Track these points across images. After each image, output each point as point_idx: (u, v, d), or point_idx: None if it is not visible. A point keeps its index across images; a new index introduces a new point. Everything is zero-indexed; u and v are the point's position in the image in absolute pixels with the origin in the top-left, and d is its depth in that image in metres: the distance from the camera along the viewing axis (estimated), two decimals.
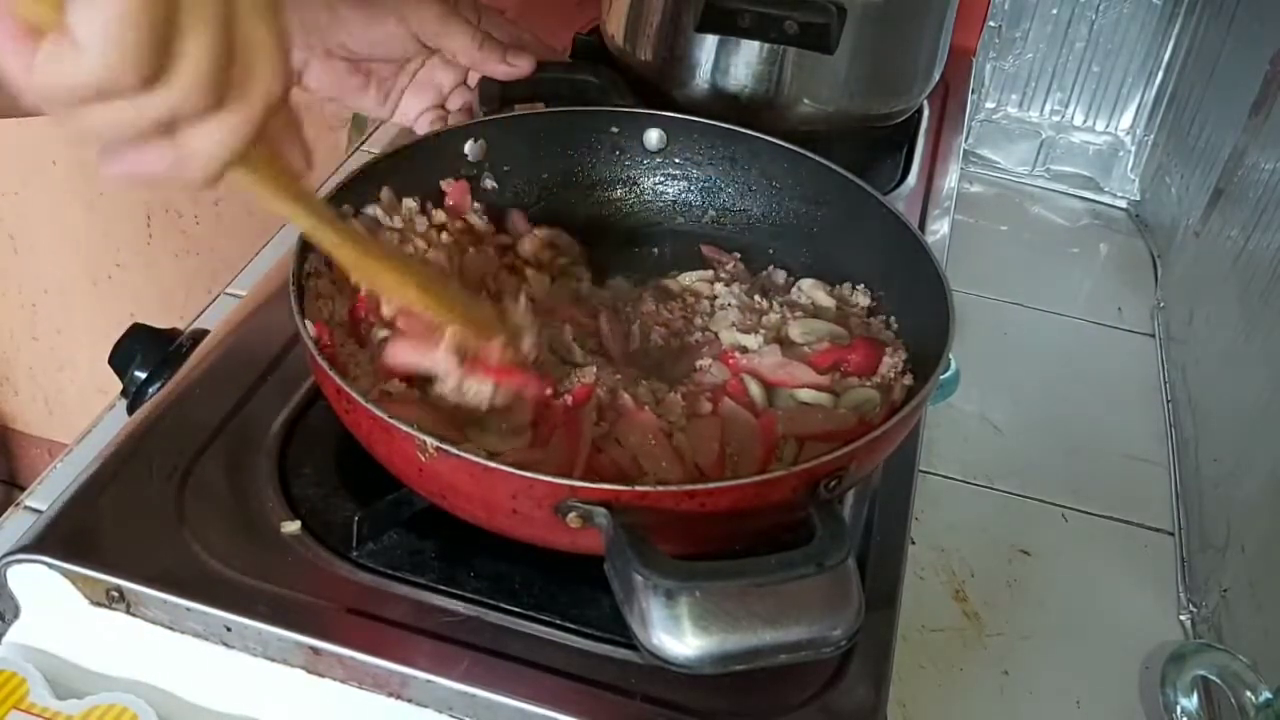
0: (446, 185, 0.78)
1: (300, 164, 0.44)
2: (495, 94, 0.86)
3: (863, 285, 0.78)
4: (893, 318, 0.75)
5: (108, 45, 0.33)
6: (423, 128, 0.84)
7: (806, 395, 0.67)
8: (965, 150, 1.23)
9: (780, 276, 0.81)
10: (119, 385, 0.74)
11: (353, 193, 0.72)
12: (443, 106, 0.85)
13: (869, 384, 0.69)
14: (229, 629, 0.57)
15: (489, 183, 0.81)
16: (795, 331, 0.72)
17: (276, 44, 0.37)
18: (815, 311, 0.75)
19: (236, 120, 0.37)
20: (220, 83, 0.36)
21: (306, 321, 0.60)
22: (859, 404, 0.67)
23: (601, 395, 0.64)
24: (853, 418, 0.66)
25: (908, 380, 0.69)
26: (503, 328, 0.63)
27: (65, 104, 0.34)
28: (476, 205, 0.78)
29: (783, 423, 0.65)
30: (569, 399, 0.64)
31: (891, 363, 0.70)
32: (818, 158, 0.81)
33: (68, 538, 0.59)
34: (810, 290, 0.77)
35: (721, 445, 0.63)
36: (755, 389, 0.67)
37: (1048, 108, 1.29)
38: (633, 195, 0.86)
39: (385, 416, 0.55)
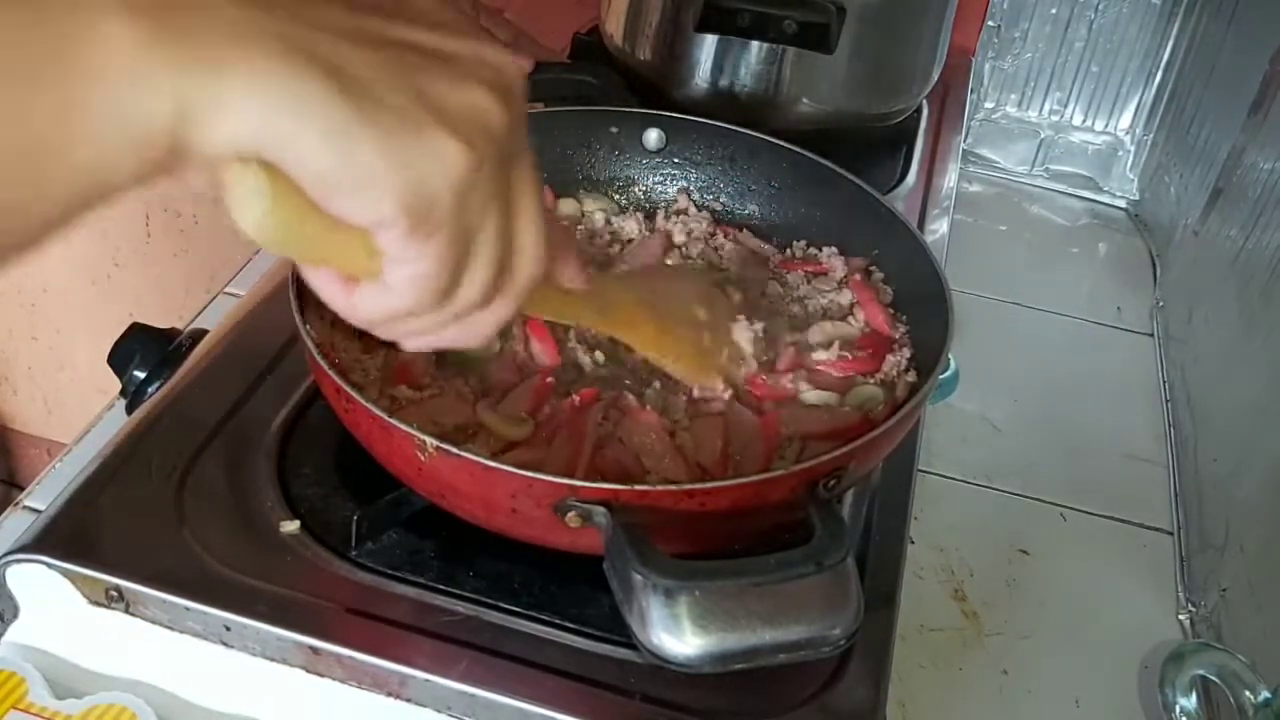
0: None
1: (575, 277, 0.51)
2: None
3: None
4: (892, 288, 0.76)
5: (414, 293, 0.40)
6: None
7: (811, 396, 0.68)
8: (964, 150, 1.23)
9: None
10: (118, 385, 0.74)
11: None
12: None
13: (872, 381, 0.69)
14: (228, 628, 0.57)
15: None
16: (814, 337, 0.72)
17: (536, 241, 0.43)
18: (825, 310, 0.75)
19: (509, 301, 0.44)
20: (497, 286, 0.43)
21: (307, 325, 0.60)
22: (863, 402, 0.68)
23: (605, 396, 0.64)
24: (856, 415, 0.66)
25: (911, 377, 0.69)
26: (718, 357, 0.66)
27: (379, 324, 0.43)
28: None
29: (786, 422, 0.65)
30: (577, 399, 0.64)
31: (895, 360, 0.70)
32: (817, 157, 0.81)
33: (67, 537, 0.59)
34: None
35: (725, 444, 0.63)
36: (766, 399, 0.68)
37: (1047, 107, 1.29)
38: (632, 195, 0.86)
39: (384, 416, 0.55)
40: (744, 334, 0.67)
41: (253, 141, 0.34)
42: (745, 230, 0.83)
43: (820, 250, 0.80)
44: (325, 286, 0.43)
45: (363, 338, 0.66)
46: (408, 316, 0.42)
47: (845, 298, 0.76)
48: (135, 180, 0.34)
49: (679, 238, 0.81)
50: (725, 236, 0.82)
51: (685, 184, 0.85)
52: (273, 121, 0.34)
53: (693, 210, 0.83)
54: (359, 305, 0.42)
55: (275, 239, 0.38)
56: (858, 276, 0.77)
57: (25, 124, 0.31)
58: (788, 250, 0.81)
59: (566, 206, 0.83)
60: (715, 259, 0.80)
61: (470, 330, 0.45)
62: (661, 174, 0.85)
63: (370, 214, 0.37)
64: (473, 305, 0.43)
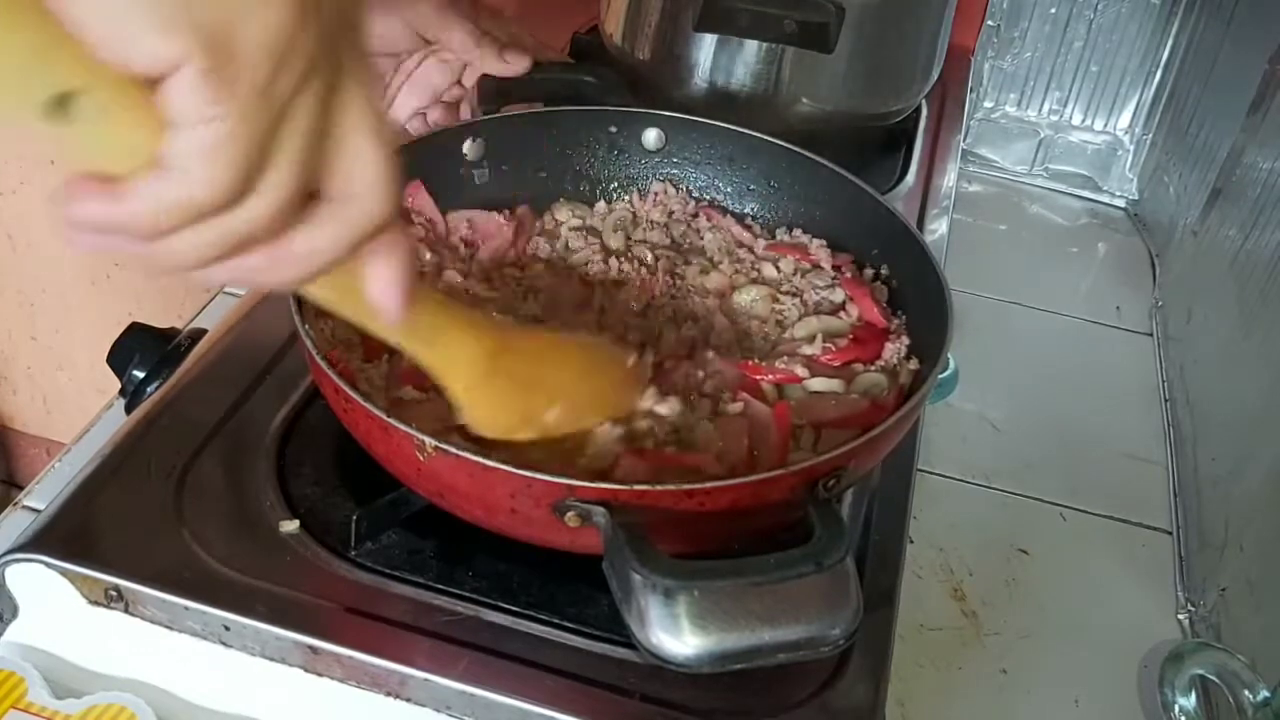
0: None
1: (389, 287, 0.42)
2: (493, 93, 0.86)
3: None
4: (891, 287, 0.77)
5: (202, 171, 0.33)
6: (413, 128, 0.84)
7: (817, 384, 0.68)
8: (964, 149, 1.22)
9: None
10: (117, 384, 0.74)
11: None
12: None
13: (874, 369, 0.70)
14: (227, 628, 0.57)
15: (485, 180, 0.81)
16: (800, 332, 0.73)
17: (378, 174, 0.37)
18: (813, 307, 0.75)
19: (324, 232, 0.37)
20: (310, 207, 0.36)
21: (306, 325, 0.60)
22: (868, 388, 0.68)
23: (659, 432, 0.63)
24: (864, 402, 0.67)
25: (913, 364, 0.70)
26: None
27: (160, 232, 0.34)
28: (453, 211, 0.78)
29: (796, 411, 0.65)
30: None
31: (895, 348, 0.71)
32: (816, 157, 0.81)
33: (66, 537, 0.59)
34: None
35: (751, 440, 0.63)
36: (766, 384, 0.68)
37: (1046, 107, 1.29)
38: (628, 195, 0.86)
39: (384, 416, 0.55)
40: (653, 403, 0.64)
41: None
42: (730, 216, 0.83)
43: (810, 240, 0.80)
44: (84, 199, 0.34)
45: (364, 343, 0.66)
46: (194, 219, 0.34)
47: (838, 295, 0.76)
48: None
49: (657, 217, 0.82)
50: (708, 220, 0.82)
51: (684, 184, 0.85)
52: None
53: (670, 191, 0.84)
54: (135, 200, 0.33)
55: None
56: (849, 273, 0.77)
57: None
58: (776, 234, 0.82)
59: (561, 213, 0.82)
60: (695, 241, 0.81)
61: (278, 260, 0.37)
62: (661, 174, 0.85)
63: (159, 52, 0.31)
64: (274, 208, 0.35)
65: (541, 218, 0.82)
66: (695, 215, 0.83)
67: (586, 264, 0.77)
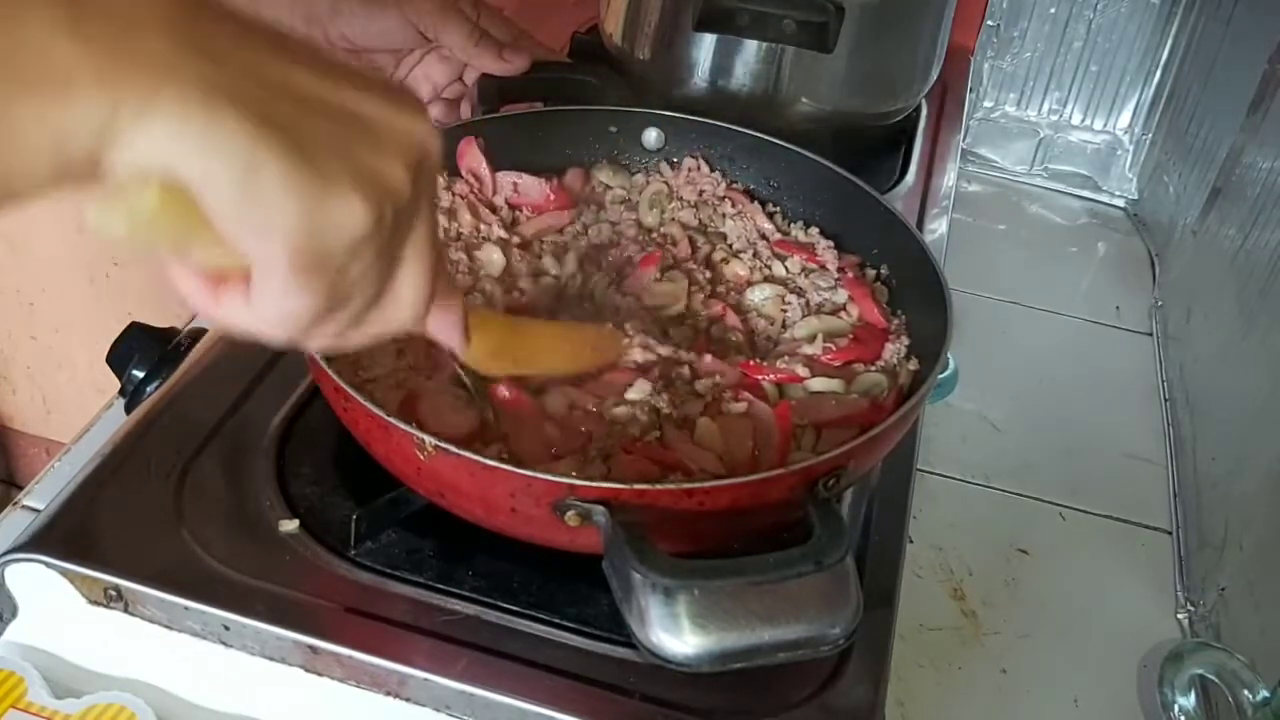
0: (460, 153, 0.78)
1: (450, 333, 0.50)
2: (493, 93, 0.86)
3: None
4: (891, 286, 0.77)
5: (277, 324, 0.40)
6: None
7: (817, 384, 0.68)
8: (963, 149, 1.22)
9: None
10: (117, 384, 0.74)
11: None
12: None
13: (874, 369, 0.70)
14: (227, 628, 0.57)
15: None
16: (799, 332, 0.73)
17: (416, 299, 0.43)
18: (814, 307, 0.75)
19: (373, 335, 0.44)
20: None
21: None
22: (868, 389, 0.68)
23: (642, 417, 0.64)
24: (864, 402, 0.67)
25: (913, 365, 0.70)
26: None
27: (233, 331, 0.42)
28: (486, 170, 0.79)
29: (797, 411, 0.65)
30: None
31: (895, 348, 0.71)
32: (816, 157, 0.81)
33: (66, 537, 0.59)
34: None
35: (755, 441, 0.63)
36: (767, 383, 0.68)
37: (1046, 107, 1.29)
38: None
39: (383, 415, 0.55)
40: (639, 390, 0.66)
41: (166, 162, 0.34)
42: (755, 202, 0.83)
43: (818, 240, 0.81)
44: (189, 282, 0.41)
45: None
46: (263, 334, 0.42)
47: (840, 296, 0.76)
48: (43, 190, 0.35)
49: (688, 195, 0.82)
50: (733, 206, 0.82)
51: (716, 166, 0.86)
52: (189, 147, 0.34)
53: (705, 169, 0.84)
54: (218, 309, 0.41)
55: (133, 244, 0.37)
56: (851, 274, 0.77)
57: None
58: (792, 229, 0.82)
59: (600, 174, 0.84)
60: (719, 226, 0.81)
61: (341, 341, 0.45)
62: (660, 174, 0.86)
63: (257, 250, 0.37)
64: (329, 341, 0.43)
65: (589, 181, 0.83)
66: (723, 199, 0.83)
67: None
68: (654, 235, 0.80)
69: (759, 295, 0.76)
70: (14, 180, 0.34)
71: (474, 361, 0.58)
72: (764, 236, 0.81)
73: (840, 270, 0.78)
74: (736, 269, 0.77)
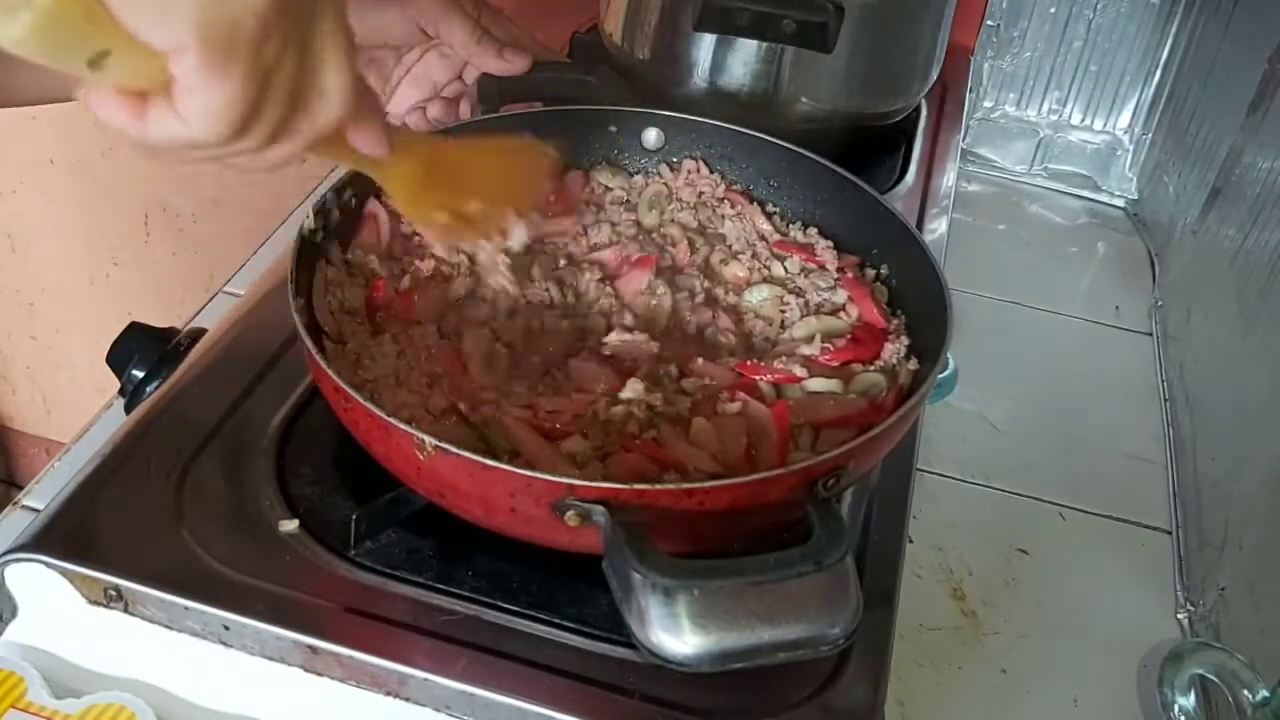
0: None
1: (374, 143, 0.51)
2: (493, 93, 0.86)
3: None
4: (891, 286, 0.77)
5: (206, 125, 0.40)
6: (413, 121, 0.84)
7: (815, 384, 0.68)
8: (963, 149, 1.23)
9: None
10: (117, 384, 0.74)
11: (352, 191, 0.72)
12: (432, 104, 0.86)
13: (873, 369, 0.70)
14: (227, 628, 0.57)
15: None
16: (798, 332, 0.73)
17: (340, 85, 0.44)
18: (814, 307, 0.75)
19: (303, 139, 0.44)
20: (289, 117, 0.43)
21: (305, 324, 0.60)
22: (866, 388, 0.68)
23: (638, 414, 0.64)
24: (863, 402, 0.67)
25: (912, 364, 0.70)
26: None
27: (166, 150, 0.42)
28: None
29: (795, 411, 0.65)
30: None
31: (895, 348, 0.71)
32: (815, 156, 0.81)
33: (66, 537, 0.59)
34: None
35: (750, 439, 0.63)
36: (764, 383, 0.68)
37: (1046, 107, 1.29)
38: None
39: (383, 415, 0.55)
40: (517, 233, 0.69)
41: None
42: (754, 204, 0.83)
43: (817, 240, 0.81)
44: (112, 110, 0.41)
45: (370, 316, 0.68)
46: (196, 148, 0.42)
47: (840, 296, 0.76)
48: None
49: (687, 197, 0.83)
50: (732, 207, 0.82)
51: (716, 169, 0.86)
52: None
53: (704, 170, 0.84)
54: (149, 128, 0.41)
55: (38, 51, 0.37)
56: (851, 274, 0.77)
57: None
58: (791, 230, 0.82)
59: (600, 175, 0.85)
60: (718, 227, 0.81)
61: (264, 159, 0.45)
62: (660, 173, 0.86)
63: (166, 41, 0.37)
64: (261, 142, 0.43)
65: (589, 183, 0.83)
66: (721, 200, 0.83)
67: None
68: (654, 236, 0.80)
69: (758, 296, 0.76)
70: None
71: (405, 193, 0.60)
72: (763, 237, 0.81)
73: (840, 270, 0.78)
74: (735, 270, 0.77)
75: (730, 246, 0.80)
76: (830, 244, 0.80)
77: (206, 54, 0.37)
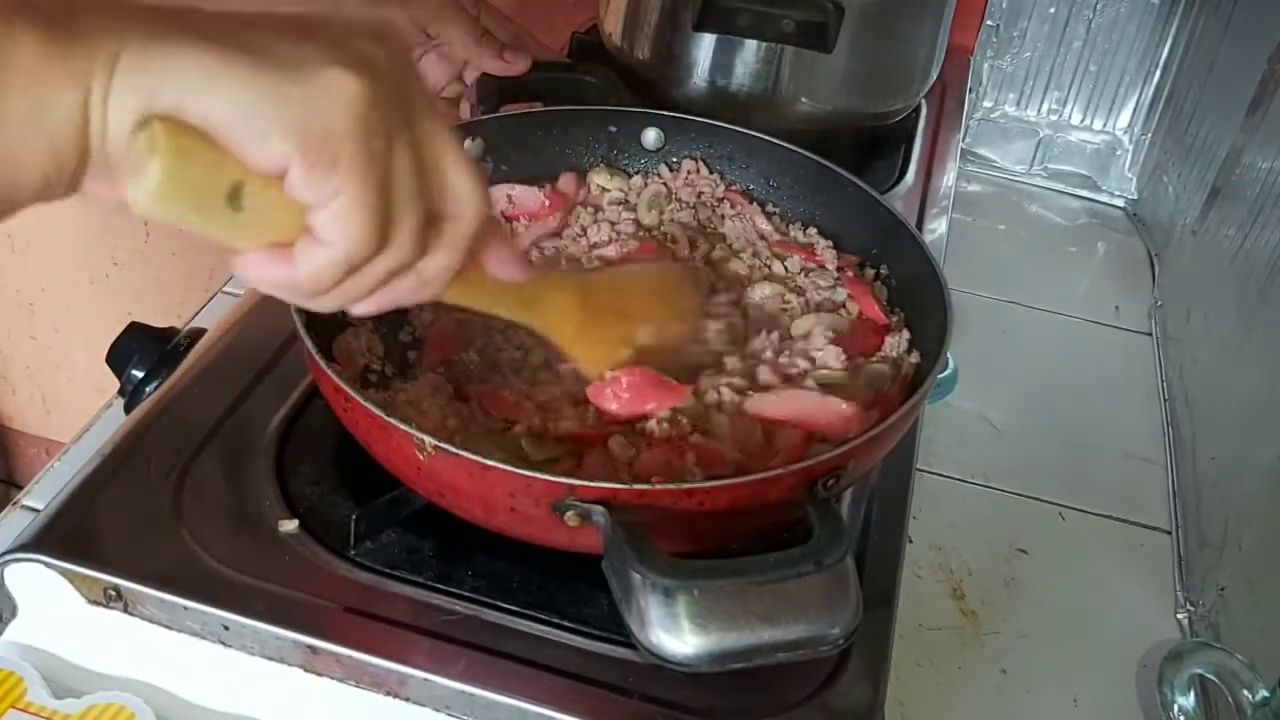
0: None
1: (508, 266, 0.50)
2: (492, 93, 0.86)
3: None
4: (890, 286, 0.77)
5: (345, 234, 0.40)
6: None
7: (821, 376, 0.68)
8: (963, 149, 1.23)
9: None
10: (116, 384, 0.74)
11: None
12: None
13: (875, 359, 0.70)
14: (227, 628, 0.57)
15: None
16: (799, 329, 0.73)
17: (473, 187, 0.44)
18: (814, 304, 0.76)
19: (456, 247, 0.45)
20: (433, 232, 0.44)
21: (305, 324, 0.60)
22: (871, 380, 0.69)
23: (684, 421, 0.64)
24: (869, 393, 0.67)
25: (914, 358, 0.70)
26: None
27: (327, 285, 0.42)
28: None
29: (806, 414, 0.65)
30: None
31: (895, 341, 0.71)
32: (815, 156, 0.81)
33: (65, 537, 0.59)
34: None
35: (766, 434, 0.63)
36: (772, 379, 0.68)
37: (1045, 107, 1.29)
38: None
39: (383, 415, 0.55)
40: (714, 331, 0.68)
41: (153, 101, 0.37)
42: (755, 204, 0.83)
43: (817, 240, 0.81)
44: (263, 269, 0.42)
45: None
46: (351, 270, 0.42)
47: (840, 295, 0.76)
48: (47, 181, 0.37)
49: (687, 196, 0.83)
50: (732, 207, 0.82)
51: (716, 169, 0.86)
52: (173, 78, 0.37)
53: (703, 171, 0.84)
54: (300, 267, 0.42)
55: (180, 201, 0.38)
56: (851, 273, 0.77)
57: None
58: (791, 230, 0.82)
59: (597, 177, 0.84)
60: (718, 226, 0.81)
61: (422, 283, 0.45)
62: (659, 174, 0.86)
63: (271, 155, 0.38)
64: (411, 248, 0.43)
65: (585, 184, 0.83)
66: (721, 200, 0.83)
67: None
68: (654, 234, 0.80)
69: (759, 293, 0.76)
70: (12, 172, 0.36)
71: (569, 334, 0.59)
72: (763, 236, 0.81)
73: (839, 270, 0.78)
74: (736, 268, 0.77)
75: (730, 245, 0.80)
76: (830, 244, 0.80)
77: (310, 158, 0.38)
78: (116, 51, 0.36)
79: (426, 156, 0.42)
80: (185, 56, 0.37)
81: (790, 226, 0.83)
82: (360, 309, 0.45)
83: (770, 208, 0.84)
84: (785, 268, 0.78)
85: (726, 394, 0.65)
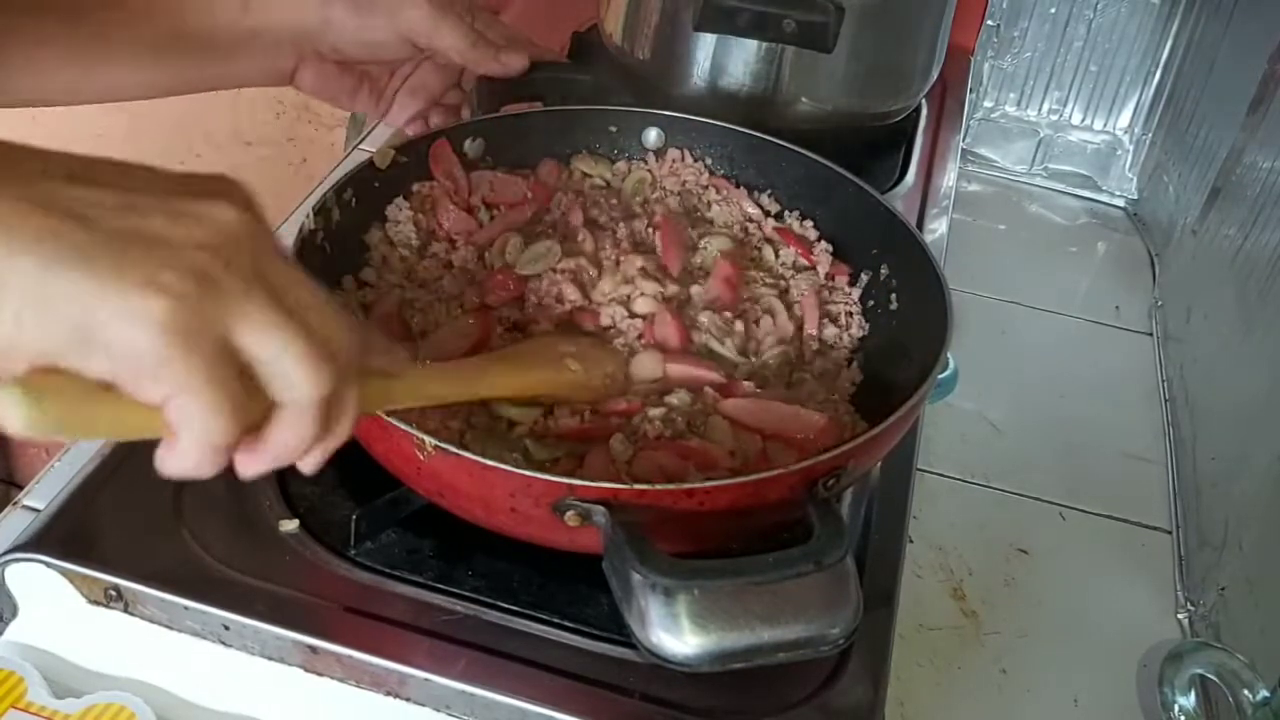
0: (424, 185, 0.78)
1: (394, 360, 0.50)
2: (492, 93, 0.86)
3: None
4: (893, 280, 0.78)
5: (195, 427, 0.41)
6: (413, 131, 0.84)
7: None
8: (963, 149, 1.22)
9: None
10: None
11: (352, 191, 0.72)
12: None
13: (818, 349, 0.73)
14: (227, 628, 0.57)
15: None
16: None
17: (339, 324, 0.43)
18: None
19: (347, 382, 0.44)
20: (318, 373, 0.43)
21: None
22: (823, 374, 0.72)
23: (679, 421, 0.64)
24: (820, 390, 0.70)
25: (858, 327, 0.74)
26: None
27: (217, 466, 0.43)
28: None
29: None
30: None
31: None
32: (816, 156, 0.81)
33: (65, 536, 0.59)
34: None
35: (765, 439, 0.64)
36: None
37: (1046, 106, 1.29)
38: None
39: (383, 415, 0.55)
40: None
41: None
42: (742, 188, 0.84)
43: (817, 240, 0.81)
44: (166, 460, 0.43)
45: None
46: (226, 447, 0.42)
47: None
48: None
49: (671, 185, 0.83)
50: (718, 193, 0.82)
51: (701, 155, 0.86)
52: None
53: (688, 159, 0.85)
54: (180, 458, 0.42)
55: (53, 430, 0.39)
56: (836, 275, 0.79)
57: None
58: (785, 217, 0.83)
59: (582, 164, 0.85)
60: (705, 213, 0.82)
61: (330, 431, 0.45)
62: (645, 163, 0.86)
63: (100, 373, 0.38)
64: (305, 401, 0.42)
65: (568, 170, 0.84)
66: (707, 187, 0.83)
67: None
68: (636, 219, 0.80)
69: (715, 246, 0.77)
70: None
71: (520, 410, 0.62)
72: (751, 220, 0.81)
73: (829, 276, 0.78)
74: (721, 243, 0.78)
75: (718, 230, 0.80)
76: (829, 247, 0.80)
77: (128, 376, 0.39)
78: None
79: (290, 304, 0.41)
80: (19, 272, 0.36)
81: (783, 215, 0.83)
82: (306, 467, 0.46)
83: (758, 193, 0.84)
84: (778, 254, 0.78)
85: (709, 393, 0.65)
